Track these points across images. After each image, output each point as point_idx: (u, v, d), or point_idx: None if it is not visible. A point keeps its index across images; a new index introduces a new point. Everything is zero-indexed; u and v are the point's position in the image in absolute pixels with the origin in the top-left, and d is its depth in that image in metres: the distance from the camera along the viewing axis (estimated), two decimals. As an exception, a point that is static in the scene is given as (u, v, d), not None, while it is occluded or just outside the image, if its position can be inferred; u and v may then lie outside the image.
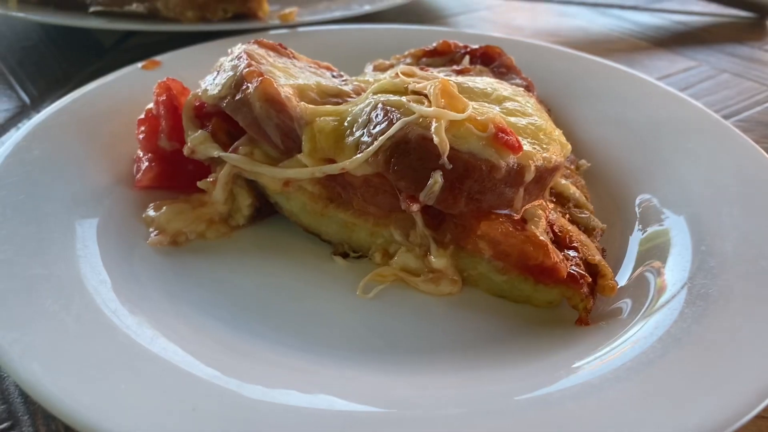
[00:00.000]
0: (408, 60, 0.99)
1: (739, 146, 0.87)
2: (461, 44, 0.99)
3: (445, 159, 0.67)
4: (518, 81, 0.93)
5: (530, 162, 0.69)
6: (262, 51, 0.84)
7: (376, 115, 0.73)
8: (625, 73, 1.07)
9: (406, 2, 1.38)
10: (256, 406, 0.55)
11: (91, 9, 1.21)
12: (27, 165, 0.81)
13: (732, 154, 0.86)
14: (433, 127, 0.68)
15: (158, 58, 1.06)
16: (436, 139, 0.67)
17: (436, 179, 0.68)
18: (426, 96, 0.73)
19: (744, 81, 1.30)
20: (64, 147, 0.85)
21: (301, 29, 1.20)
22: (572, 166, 0.88)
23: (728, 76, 1.32)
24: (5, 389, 0.63)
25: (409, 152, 0.69)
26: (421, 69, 0.93)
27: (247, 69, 0.77)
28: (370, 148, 0.70)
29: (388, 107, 0.72)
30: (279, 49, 0.87)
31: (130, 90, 0.98)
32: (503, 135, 0.69)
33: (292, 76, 0.81)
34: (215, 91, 0.78)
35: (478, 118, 0.70)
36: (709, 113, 0.95)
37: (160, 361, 0.59)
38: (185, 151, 0.80)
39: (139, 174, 0.82)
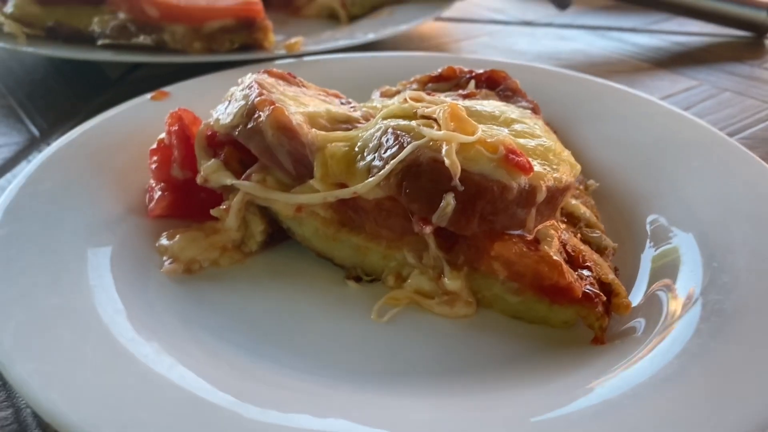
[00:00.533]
0: (414, 86, 1.00)
1: (746, 163, 0.88)
2: (466, 69, 1.01)
3: (457, 181, 0.68)
4: (524, 104, 0.94)
5: (541, 182, 0.70)
6: (272, 80, 0.85)
7: (387, 140, 0.74)
8: (629, 93, 1.08)
9: (408, 30, 1.40)
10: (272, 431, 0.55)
11: (99, 42, 1.22)
12: (39, 197, 0.81)
13: (739, 171, 0.87)
14: (444, 150, 0.69)
15: (167, 89, 1.07)
16: (447, 162, 0.68)
17: (449, 201, 0.68)
18: (435, 120, 0.75)
19: (746, 99, 1.31)
20: (76, 178, 0.86)
21: (307, 58, 1.22)
22: (581, 187, 0.89)
23: (730, 95, 1.33)
24: (23, 420, 0.63)
25: (421, 175, 0.70)
26: (428, 94, 0.94)
27: (258, 98, 0.78)
28: (382, 171, 0.71)
29: (399, 131, 0.73)
30: (288, 78, 0.88)
31: (139, 121, 0.99)
32: (514, 156, 0.69)
33: (302, 104, 0.82)
34: (227, 120, 0.79)
35: (488, 140, 0.71)
36: (713, 131, 0.96)
37: (177, 388, 0.59)
38: (198, 179, 0.80)
39: (152, 203, 0.83)
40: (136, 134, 0.96)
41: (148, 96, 1.05)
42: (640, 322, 0.70)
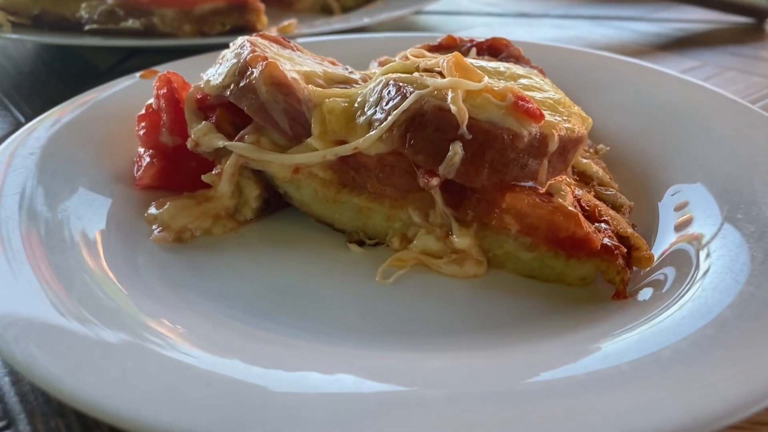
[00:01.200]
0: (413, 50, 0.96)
1: (759, 122, 0.84)
2: (467, 38, 0.97)
3: (464, 129, 0.64)
4: (529, 69, 0.90)
5: (553, 131, 0.66)
6: (265, 42, 0.81)
7: (389, 92, 0.69)
8: (636, 64, 1.05)
9: (404, 15, 1.37)
10: (277, 388, 0.50)
11: (87, 27, 1.19)
12: (26, 168, 0.77)
13: (753, 130, 0.83)
14: (449, 98, 0.65)
15: (157, 67, 1.03)
16: (453, 109, 0.64)
17: (456, 150, 0.64)
18: (438, 73, 0.71)
19: (751, 76, 1.28)
20: (63, 149, 0.82)
21: (301, 40, 1.18)
22: (591, 150, 0.85)
23: (734, 73, 1.30)
24: (0, 388, 0.58)
25: (426, 124, 0.65)
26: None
27: (251, 55, 0.74)
28: (384, 123, 0.67)
29: (401, 83, 0.69)
30: (283, 42, 0.84)
31: (129, 96, 0.95)
32: (523, 103, 0.65)
33: (297, 64, 0.78)
34: (218, 81, 0.75)
35: (496, 88, 0.67)
36: (725, 94, 0.92)
37: (172, 346, 0.54)
38: (189, 144, 0.76)
39: (140, 171, 0.78)
40: (126, 108, 0.91)
41: (138, 75, 1.01)
42: (665, 275, 0.66)
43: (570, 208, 0.66)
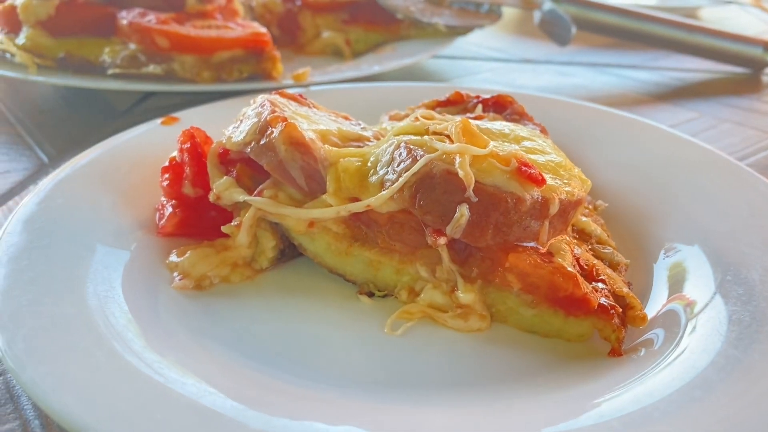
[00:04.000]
0: (422, 110, 1.01)
1: (751, 183, 0.89)
2: (473, 94, 1.02)
3: (471, 192, 0.68)
4: (531, 126, 0.95)
5: (554, 195, 0.71)
6: (284, 100, 0.86)
7: (400, 154, 0.74)
8: (633, 120, 1.09)
9: (413, 63, 1.42)
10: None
11: (110, 72, 1.24)
12: (52, 212, 0.81)
13: (744, 190, 0.87)
14: (457, 162, 0.69)
15: (176, 114, 1.08)
16: (461, 173, 0.68)
17: (463, 212, 0.68)
18: (447, 136, 0.76)
19: (746, 129, 1.33)
20: (88, 197, 0.86)
21: (314, 88, 1.23)
22: (590, 207, 0.89)
23: (730, 125, 1.35)
24: (27, 422, 0.62)
25: (435, 187, 0.70)
26: (436, 117, 0.96)
27: (271, 115, 0.79)
28: (396, 184, 0.71)
29: (411, 146, 0.74)
30: (299, 100, 0.89)
31: (150, 144, 1.00)
32: (526, 168, 0.70)
33: (313, 123, 0.83)
34: (240, 138, 0.80)
35: (500, 153, 0.72)
36: (717, 153, 0.97)
37: (187, 397, 0.58)
38: (211, 197, 0.81)
39: (163, 220, 0.83)
40: (147, 156, 0.96)
41: (158, 121, 1.06)
42: (656, 335, 0.70)
43: (569, 268, 0.70)
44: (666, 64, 1.75)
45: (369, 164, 0.76)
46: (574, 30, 1.60)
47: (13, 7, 1.33)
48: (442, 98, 1.02)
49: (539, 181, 0.70)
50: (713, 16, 2.35)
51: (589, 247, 0.80)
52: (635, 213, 0.91)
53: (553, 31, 1.64)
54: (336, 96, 1.18)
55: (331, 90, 1.21)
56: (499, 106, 1.00)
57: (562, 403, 0.62)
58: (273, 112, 0.80)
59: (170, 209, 0.82)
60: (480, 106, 0.99)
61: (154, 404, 0.56)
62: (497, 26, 2.00)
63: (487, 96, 1.00)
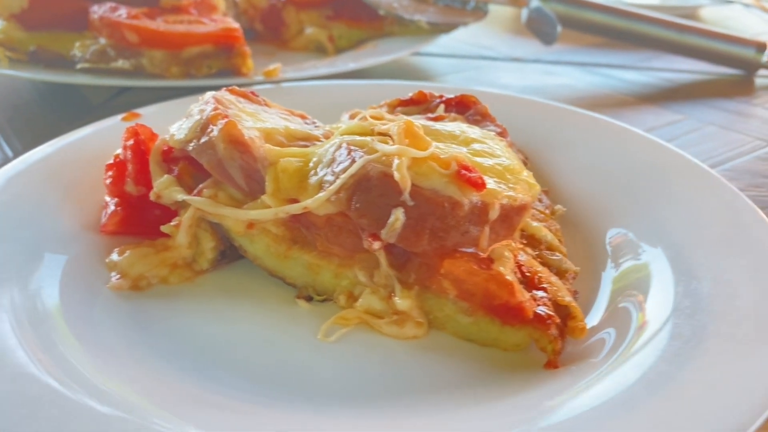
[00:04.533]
0: (384, 109, 0.99)
1: (718, 190, 0.86)
2: (437, 94, 1.00)
3: (407, 195, 0.66)
4: (492, 128, 0.93)
5: (495, 200, 0.68)
6: (232, 98, 0.84)
7: (340, 155, 0.72)
8: (604, 122, 1.06)
9: (390, 60, 1.40)
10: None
11: (78, 66, 1.23)
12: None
13: (710, 198, 0.84)
14: (395, 164, 0.67)
15: (139, 110, 1.07)
16: (397, 176, 0.66)
17: (398, 216, 0.66)
18: (391, 137, 0.73)
19: (730, 133, 1.29)
20: (34, 193, 0.85)
21: (285, 85, 1.21)
22: (547, 211, 0.87)
23: (714, 128, 1.32)
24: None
25: (371, 189, 0.68)
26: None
27: (212, 112, 0.77)
28: (333, 185, 0.69)
29: (352, 146, 0.72)
30: (251, 97, 0.87)
31: (108, 140, 0.98)
32: (466, 172, 0.68)
33: (260, 120, 0.81)
34: (182, 136, 0.78)
35: (441, 156, 0.69)
36: (688, 158, 0.93)
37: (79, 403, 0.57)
38: (151, 195, 0.79)
39: (105, 218, 0.81)
40: (103, 153, 0.94)
41: (119, 117, 1.05)
42: (600, 346, 0.67)
43: (507, 276, 0.67)
44: (657, 64, 1.71)
45: (311, 164, 0.74)
46: (559, 29, 1.57)
47: (-14, 0, 1.33)
48: (405, 97, 1.00)
49: (479, 186, 0.67)
50: (714, 16, 2.30)
51: (537, 253, 0.77)
52: (596, 218, 0.88)
53: (540, 29, 1.60)
54: (301, 93, 1.16)
55: (297, 88, 1.19)
56: (462, 106, 0.97)
57: (494, 414, 0.60)
58: (215, 109, 0.78)
59: (112, 207, 0.81)
60: (442, 106, 0.97)
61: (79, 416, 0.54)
62: (489, 23, 1.97)
63: (451, 96, 0.98)
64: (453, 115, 0.95)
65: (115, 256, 0.79)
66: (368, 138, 0.73)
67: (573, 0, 1.62)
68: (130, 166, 0.81)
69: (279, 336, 0.72)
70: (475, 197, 0.67)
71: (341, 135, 0.76)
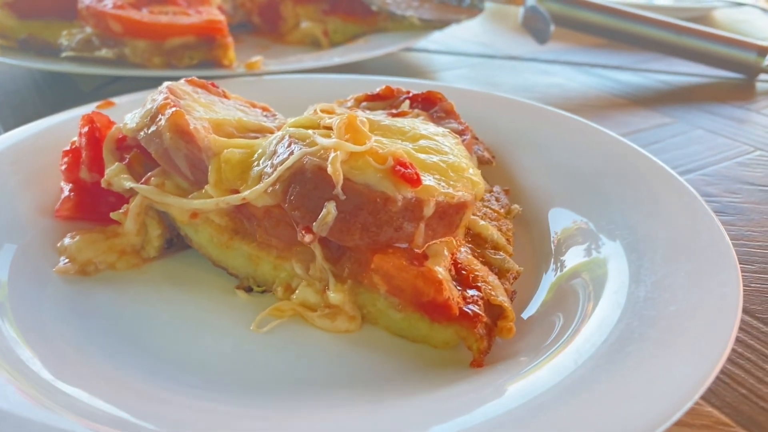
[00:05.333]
0: (350, 103, 0.99)
1: (679, 195, 0.83)
2: (404, 90, 0.99)
3: (339, 189, 0.66)
4: (455, 125, 0.92)
5: (430, 197, 0.68)
6: (188, 88, 0.85)
7: (281, 147, 0.72)
8: (574, 121, 1.04)
9: (378, 56, 1.39)
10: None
11: (63, 54, 1.25)
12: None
13: (669, 202, 0.82)
14: (330, 158, 0.67)
15: (115, 99, 1.08)
16: (330, 169, 0.66)
17: (329, 210, 0.66)
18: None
19: (717, 137, 1.27)
20: (-3, 176, 0.86)
21: (266, 77, 1.22)
22: (502, 210, 0.86)
23: (702, 133, 1.29)
24: None
25: (306, 182, 0.68)
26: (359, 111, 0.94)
27: (162, 102, 0.78)
28: (269, 178, 0.70)
29: (293, 139, 0.72)
30: (209, 88, 0.88)
31: (76, 128, 1.00)
32: (401, 168, 0.67)
33: (213, 111, 0.82)
34: (133, 124, 0.79)
35: (379, 151, 0.69)
36: (654, 161, 0.91)
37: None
38: (102, 182, 0.80)
39: (59, 204, 0.83)
40: (69, 140, 0.96)
41: (94, 105, 1.06)
42: (526, 347, 0.67)
43: (437, 273, 0.67)
44: (654, 66, 1.68)
45: (255, 156, 0.75)
46: (552, 27, 1.55)
47: (-19, -12, 1.35)
48: (372, 92, 1.00)
49: (414, 182, 0.67)
50: (727, 18, 2.25)
51: (482, 251, 0.76)
52: (550, 217, 0.88)
53: (534, 28, 1.59)
54: (278, 86, 1.16)
55: (276, 80, 1.19)
56: (428, 102, 0.97)
57: (418, 408, 0.60)
58: (166, 99, 0.79)
59: (66, 193, 0.82)
60: (407, 102, 0.96)
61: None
62: (491, 20, 1.96)
63: (418, 92, 0.98)
64: (416, 111, 0.95)
65: (67, 240, 0.80)
66: (309, 131, 0.73)
67: (570, -1, 1.61)
68: (84, 153, 0.82)
69: (217, 325, 0.72)
70: (410, 193, 0.67)
71: (289, 126, 0.77)
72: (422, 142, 0.77)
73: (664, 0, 2.28)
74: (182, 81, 0.86)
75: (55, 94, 1.37)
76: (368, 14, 1.61)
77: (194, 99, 0.83)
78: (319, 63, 1.31)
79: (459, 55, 1.75)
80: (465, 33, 1.93)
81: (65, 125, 1.00)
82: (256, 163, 0.74)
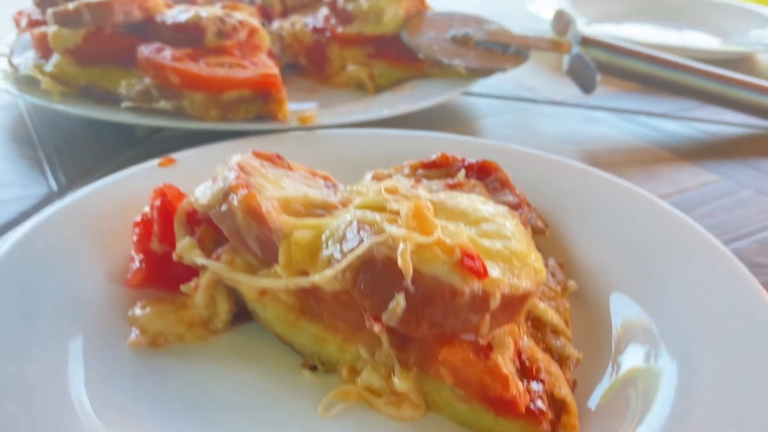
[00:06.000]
0: (406, 170, 1.01)
1: (735, 277, 0.84)
2: (459, 157, 1.01)
3: (408, 282, 0.68)
4: (510, 197, 0.94)
5: (496, 289, 0.69)
6: (256, 162, 0.88)
7: (351, 232, 0.75)
8: (628, 189, 1.05)
9: (424, 108, 1.42)
10: None
11: (123, 105, 1.29)
12: (28, 258, 0.85)
13: (725, 286, 0.83)
14: (399, 249, 0.69)
15: (175, 155, 1.11)
16: (400, 262, 0.68)
17: (399, 301, 0.68)
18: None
19: (766, 198, 1.27)
20: (67, 242, 0.89)
21: (320, 132, 1.24)
22: (558, 288, 0.87)
23: (750, 193, 1.29)
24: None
25: (375, 272, 0.70)
26: (416, 180, 0.96)
27: (234, 181, 0.80)
28: (339, 265, 0.72)
29: (362, 225, 0.74)
30: (275, 160, 0.91)
31: (142, 187, 1.03)
32: (469, 260, 0.69)
33: (280, 188, 0.84)
34: (205, 201, 0.82)
35: (447, 241, 0.71)
36: (707, 237, 0.92)
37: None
38: (174, 256, 0.83)
39: (129, 274, 0.86)
40: (136, 201, 0.99)
41: (156, 162, 1.10)
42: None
43: (504, 367, 0.69)
44: (700, 114, 1.68)
45: (324, 237, 0.77)
46: (599, 78, 1.56)
47: (44, 35, 1.40)
48: (428, 160, 1.02)
49: (481, 275, 0.69)
50: (771, 61, 2.24)
51: (543, 336, 0.78)
52: (605, 294, 0.89)
53: (580, 77, 1.60)
54: (332, 143, 1.19)
55: (330, 136, 1.22)
56: (483, 172, 0.99)
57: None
58: (238, 177, 0.81)
59: (137, 264, 0.85)
60: (463, 171, 0.98)
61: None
62: (532, 61, 1.97)
63: (473, 161, 0.99)
64: (473, 181, 0.96)
65: (137, 311, 0.83)
66: (378, 216, 0.75)
67: (614, 47, 1.61)
68: (156, 226, 0.85)
69: (281, 406, 0.74)
70: (477, 285, 0.69)
71: (356, 208, 0.79)
72: (484, 225, 0.79)
73: (708, 43, 2.28)
74: (250, 154, 0.89)
75: (110, 138, 1.41)
76: (414, 60, 1.63)
77: (262, 174, 0.85)
78: (368, 116, 1.34)
79: (500, 99, 1.77)
80: (506, 75, 1.94)
81: (130, 184, 1.04)
82: (325, 246, 0.76)
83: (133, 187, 1.04)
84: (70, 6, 1.37)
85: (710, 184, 1.33)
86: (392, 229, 0.72)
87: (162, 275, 0.86)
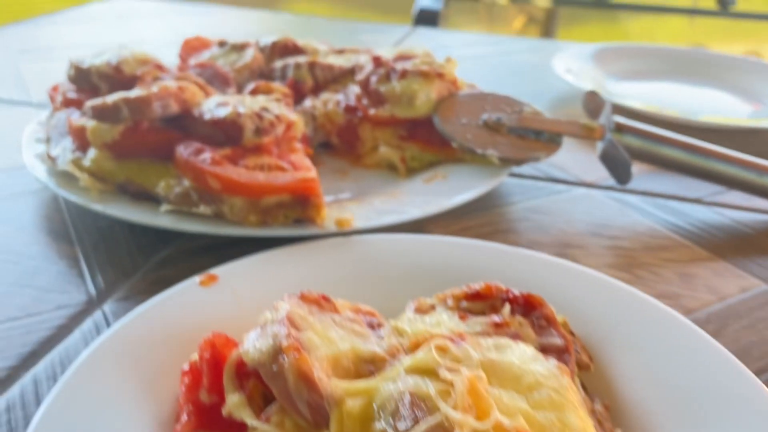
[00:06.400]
0: (450, 302, 1.01)
1: None
2: (503, 288, 1.01)
3: (463, 472, 0.68)
4: (557, 340, 0.93)
5: (552, 475, 0.69)
6: (304, 309, 0.88)
7: (403, 406, 0.74)
8: (678, 320, 1.03)
9: (457, 205, 1.41)
10: None
11: (163, 208, 1.29)
12: (73, 405, 0.85)
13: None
14: (455, 433, 0.69)
15: (215, 271, 1.12)
16: (456, 453, 0.68)
17: (453, 487, 0.68)
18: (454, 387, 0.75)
19: (807, 309, 1.25)
20: (111, 383, 0.90)
21: (356, 237, 1.24)
22: (604, 439, 0.87)
23: (786, 300, 1.28)
24: None
25: (431, 457, 0.70)
26: (461, 317, 0.96)
27: (286, 341, 0.80)
28: (395, 445, 0.72)
29: (415, 400, 0.74)
30: (321, 304, 0.91)
31: (185, 311, 1.03)
32: (526, 447, 0.69)
33: (328, 340, 0.84)
34: (255, 356, 0.82)
35: (504, 423, 0.71)
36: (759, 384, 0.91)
37: None
38: (224, 412, 0.83)
39: (178, 425, 0.86)
40: (179, 328, 1.00)
41: (197, 280, 1.10)
42: None
43: None
44: (731, 200, 1.67)
45: (375, 406, 0.77)
46: (634, 170, 1.55)
47: (83, 128, 1.42)
48: (471, 291, 1.01)
49: (537, 462, 0.69)
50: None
51: (594, 508, 0.77)
52: (655, 449, 0.88)
53: (614, 166, 1.59)
54: (374, 248, 1.19)
55: (369, 241, 1.22)
56: (528, 306, 0.99)
57: None
58: (288, 335, 0.81)
59: (185, 416, 0.85)
60: (508, 306, 0.98)
61: None
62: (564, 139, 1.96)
63: (517, 294, 0.99)
64: (518, 318, 0.96)
65: (185, 463, 0.83)
66: (432, 387, 0.75)
67: (648, 134, 1.61)
68: (205, 379, 0.85)
69: None
70: (532, 473, 0.68)
71: (406, 372, 0.79)
72: (536, 395, 0.79)
73: (739, 109, 2.28)
74: (297, 299, 0.89)
75: (146, 234, 1.41)
76: (446, 145, 1.63)
77: (311, 325, 0.85)
78: (402, 218, 1.33)
79: (530, 179, 1.76)
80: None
81: (173, 308, 1.04)
82: (377, 416, 0.76)
83: (176, 311, 1.04)
84: (109, 101, 1.39)
85: (747, 290, 1.31)
86: (447, 410, 0.71)
87: (211, 425, 0.86)
